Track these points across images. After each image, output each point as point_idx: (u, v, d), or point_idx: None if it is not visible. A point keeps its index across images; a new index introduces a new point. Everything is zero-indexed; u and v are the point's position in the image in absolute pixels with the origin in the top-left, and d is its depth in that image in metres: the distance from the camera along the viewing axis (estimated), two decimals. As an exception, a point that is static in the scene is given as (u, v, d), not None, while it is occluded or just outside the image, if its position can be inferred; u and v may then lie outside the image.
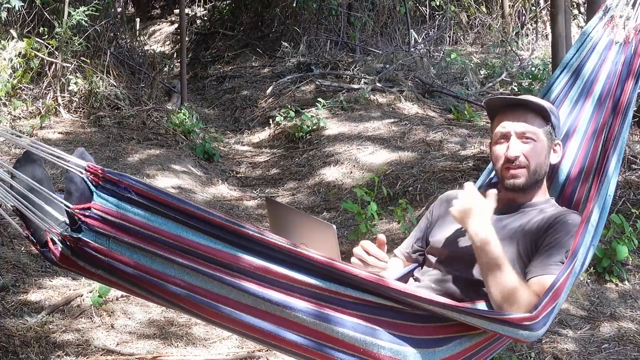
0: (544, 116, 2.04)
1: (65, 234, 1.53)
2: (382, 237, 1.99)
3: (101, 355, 3.12)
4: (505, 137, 2.04)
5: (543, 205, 2.05)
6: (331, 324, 1.65)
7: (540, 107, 2.03)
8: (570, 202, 2.21)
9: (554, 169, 2.22)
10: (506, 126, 2.04)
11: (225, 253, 1.59)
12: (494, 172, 2.29)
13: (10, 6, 5.90)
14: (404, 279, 2.16)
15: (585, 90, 2.29)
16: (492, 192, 1.97)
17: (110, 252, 1.55)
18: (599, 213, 1.97)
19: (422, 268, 2.15)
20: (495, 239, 1.84)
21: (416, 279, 2.11)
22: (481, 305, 1.88)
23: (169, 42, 11.49)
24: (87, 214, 1.52)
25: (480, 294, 1.95)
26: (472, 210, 1.87)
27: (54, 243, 1.54)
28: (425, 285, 2.03)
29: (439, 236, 2.11)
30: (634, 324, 3.48)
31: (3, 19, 6.01)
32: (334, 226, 1.80)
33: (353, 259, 1.99)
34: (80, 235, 1.53)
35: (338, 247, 1.79)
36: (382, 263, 1.96)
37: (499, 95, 2.14)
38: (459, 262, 2.01)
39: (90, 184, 1.53)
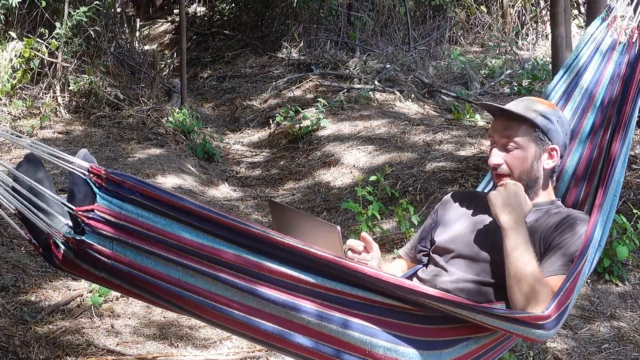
0: (529, 123, 2.02)
1: (68, 236, 1.52)
2: (363, 234, 2.02)
3: (101, 355, 3.12)
4: (494, 144, 2.06)
5: (549, 206, 2.05)
6: (336, 326, 1.64)
7: (521, 116, 2.00)
8: (576, 203, 2.21)
9: (559, 171, 2.21)
10: (493, 134, 2.06)
11: (229, 254, 1.57)
12: None
13: (7, 3, 5.89)
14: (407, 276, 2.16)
15: (588, 93, 2.28)
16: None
17: (113, 254, 1.54)
18: (606, 214, 1.98)
19: (426, 268, 2.15)
20: (527, 234, 1.87)
21: (421, 280, 2.10)
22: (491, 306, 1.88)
23: (169, 42, 11.49)
24: (90, 215, 1.51)
25: (487, 296, 1.94)
26: (514, 202, 1.90)
27: (57, 246, 1.53)
28: (429, 287, 2.02)
29: (445, 236, 2.10)
30: (634, 324, 3.48)
31: (2, 19, 6.00)
32: (339, 227, 1.79)
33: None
34: (83, 238, 1.52)
35: (342, 248, 1.78)
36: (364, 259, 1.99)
37: (500, 102, 2.13)
38: (466, 263, 2.01)
39: (93, 186, 1.52)
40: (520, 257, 1.84)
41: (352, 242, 2.01)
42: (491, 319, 1.70)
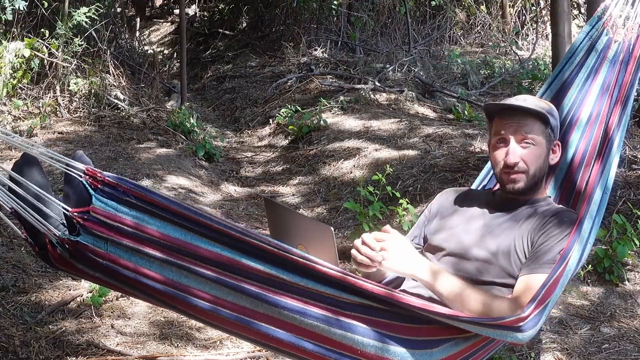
0: (542, 119, 2.03)
1: (64, 237, 1.53)
2: (387, 227, 1.95)
3: (101, 355, 3.12)
4: (505, 141, 2.04)
5: (540, 203, 2.06)
6: (331, 327, 1.66)
7: (538, 112, 2.02)
8: (568, 200, 2.22)
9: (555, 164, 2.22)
10: (505, 131, 2.03)
11: (224, 257, 1.59)
12: (492, 173, 2.30)
13: (15, 7, 5.90)
14: (400, 278, 2.16)
15: (583, 91, 2.30)
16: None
17: (108, 255, 1.55)
18: (595, 211, 1.98)
19: None
20: (439, 266, 1.87)
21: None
22: None
23: (169, 42, 11.50)
24: (85, 217, 1.52)
25: None
26: (408, 251, 1.88)
27: (53, 246, 1.54)
28: (421, 285, 2.02)
29: (437, 234, 2.11)
30: (634, 324, 3.48)
31: (10, 19, 6.00)
32: (332, 228, 1.80)
33: (353, 251, 1.96)
34: (78, 239, 1.52)
35: (336, 249, 1.79)
36: (372, 268, 1.90)
37: (498, 101, 2.12)
38: (457, 261, 2.01)
39: (89, 188, 1.53)
40: (452, 291, 1.84)
41: (367, 237, 1.92)
42: (474, 326, 1.74)
